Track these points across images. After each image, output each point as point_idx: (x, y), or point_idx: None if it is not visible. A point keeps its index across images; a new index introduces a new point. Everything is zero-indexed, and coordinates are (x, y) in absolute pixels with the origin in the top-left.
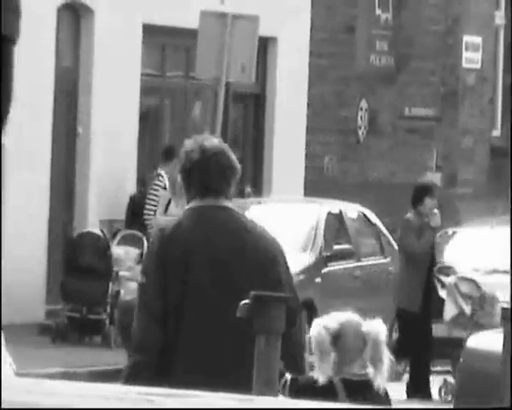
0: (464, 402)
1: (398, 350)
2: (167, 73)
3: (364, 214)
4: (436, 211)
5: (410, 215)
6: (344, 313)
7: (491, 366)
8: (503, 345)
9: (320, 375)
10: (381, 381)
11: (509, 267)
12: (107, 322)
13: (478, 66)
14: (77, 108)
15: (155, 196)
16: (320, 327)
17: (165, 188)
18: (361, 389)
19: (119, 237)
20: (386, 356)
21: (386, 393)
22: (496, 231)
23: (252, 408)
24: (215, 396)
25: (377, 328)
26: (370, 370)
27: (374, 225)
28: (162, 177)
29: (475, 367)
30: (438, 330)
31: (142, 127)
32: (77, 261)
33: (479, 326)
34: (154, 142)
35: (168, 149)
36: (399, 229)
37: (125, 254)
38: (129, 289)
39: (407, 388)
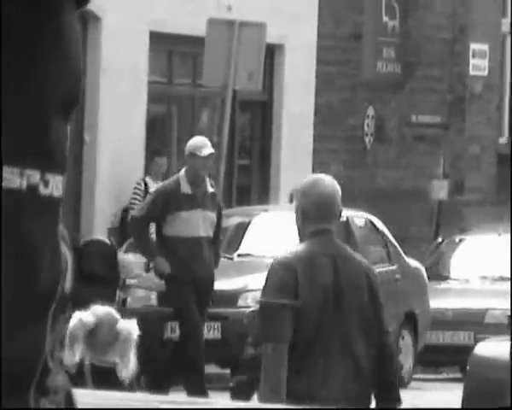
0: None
1: None
2: (174, 80)
3: (371, 222)
4: None
5: None
6: (104, 307)
7: (498, 374)
8: (511, 352)
9: (68, 360)
10: (125, 373)
11: None
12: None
13: (485, 73)
14: (84, 115)
15: (135, 199)
16: (77, 320)
17: (145, 192)
18: (107, 375)
19: (126, 244)
20: (133, 353)
21: (131, 384)
22: (503, 239)
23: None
24: (224, 404)
25: (130, 328)
26: (118, 361)
27: (381, 232)
28: (140, 184)
29: (483, 374)
30: (445, 337)
31: (150, 135)
32: (83, 269)
33: None
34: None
35: (152, 152)
36: None
37: (132, 262)
38: (136, 297)
39: None
